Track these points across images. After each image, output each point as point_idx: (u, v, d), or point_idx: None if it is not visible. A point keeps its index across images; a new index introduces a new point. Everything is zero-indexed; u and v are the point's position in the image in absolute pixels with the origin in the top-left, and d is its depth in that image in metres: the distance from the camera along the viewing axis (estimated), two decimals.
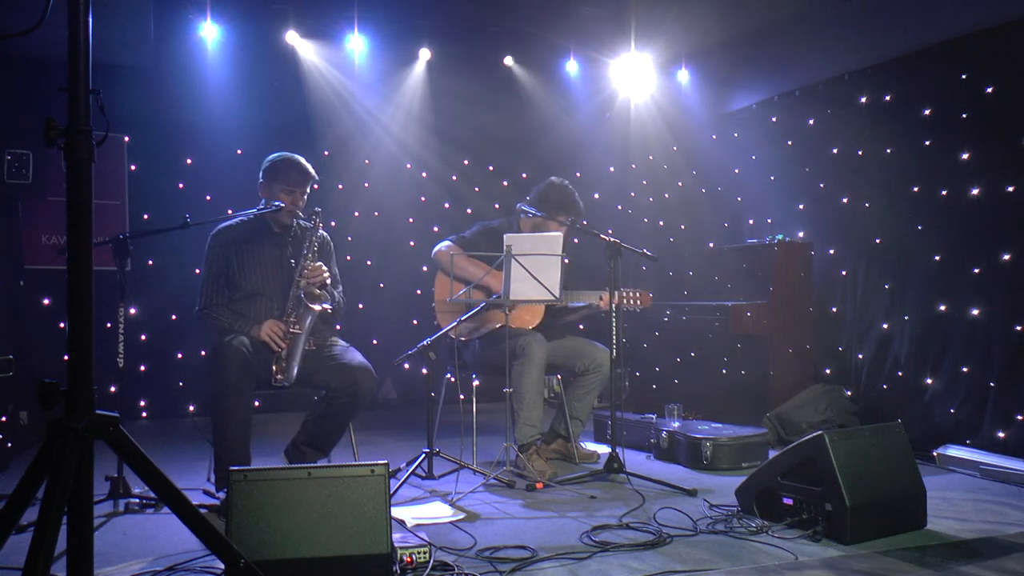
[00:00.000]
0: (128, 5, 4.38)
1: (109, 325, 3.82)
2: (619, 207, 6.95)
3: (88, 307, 1.68)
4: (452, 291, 3.69)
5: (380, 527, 2.31)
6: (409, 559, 2.40)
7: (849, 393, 4.87)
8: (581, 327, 4.31)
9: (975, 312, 4.21)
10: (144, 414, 5.64)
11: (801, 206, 5.50)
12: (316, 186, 3.64)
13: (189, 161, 5.72)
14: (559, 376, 4.38)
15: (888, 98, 4.83)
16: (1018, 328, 3.98)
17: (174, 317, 5.63)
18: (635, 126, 6.46)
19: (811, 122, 5.41)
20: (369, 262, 6.33)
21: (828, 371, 5.14)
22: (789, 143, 5.59)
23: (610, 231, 6.13)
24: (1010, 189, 4.06)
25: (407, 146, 6.34)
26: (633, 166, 6.84)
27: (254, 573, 1.81)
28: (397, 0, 5.29)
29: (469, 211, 6.60)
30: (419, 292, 6.41)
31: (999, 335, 4.07)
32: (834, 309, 5.18)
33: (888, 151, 4.82)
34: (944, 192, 4.42)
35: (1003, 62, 4.13)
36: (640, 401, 5.65)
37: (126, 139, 5.51)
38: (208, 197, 5.61)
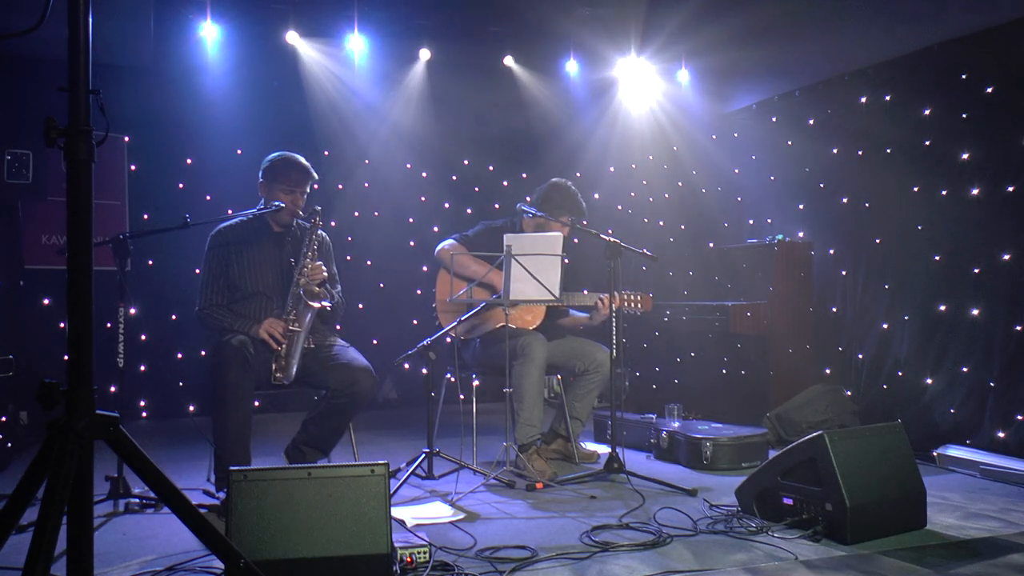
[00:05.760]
0: (128, 5, 4.38)
1: (109, 325, 3.82)
2: (619, 207, 6.95)
3: (88, 307, 1.68)
4: (452, 290, 3.69)
5: (380, 527, 2.31)
6: (409, 559, 2.40)
7: (849, 393, 4.87)
8: (581, 327, 4.31)
9: (975, 312, 4.21)
10: (144, 414, 5.64)
11: (801, 206, 5.50)
12: (316, 186, 3.65)
13: (189, 161, 5.73)
14: (559, 376, 4.38)
15: (888, 98, 4.83)
16: (1018, 328, 3.98)
17: (174, 317, 5.63)
18: (635, 126, 6.46)
19: (811, 122, 5.41)
20: (369, 262, 6.34)
21: (828, 371, 5.14)
22: (789, 143, 5.59)
23: (610, 231, 6.14)
24: (1010, 189, 4.06)
25: (407, 146, 6.34)
26: (633, 166, 6.84)
27: (254, 573, 1.81)
28: (397, 0, 5.28)
29: (469, 211, 6.60)
30: (419, 292, 6.42)
31: (999, 335, 4.07)
32: (834, 309, 5.18)
33: (888, 151, 4.82)
34: (944, 192, 4.42)
35: (1003, 62, 4.13)
36: (640, 401, 5.65)
37: (126, 139, 5.51)
38: (208, 197, 5.62)
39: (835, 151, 5.21)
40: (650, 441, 4.34)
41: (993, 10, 4.03)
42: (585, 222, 4.15)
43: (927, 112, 4.55)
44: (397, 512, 3.01)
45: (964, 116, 4.32)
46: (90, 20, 1.71)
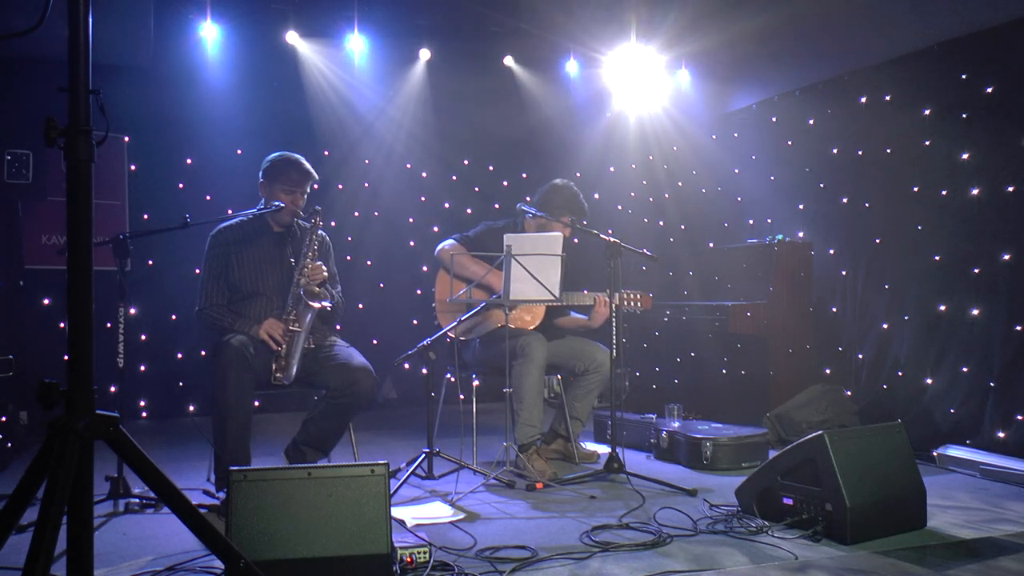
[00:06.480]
0: (128, 5, 4.38)
1: (109, 325, 3.82)
2: (619, 207, 6.95)
3: (88, 307, 1.68)
4: (452, 291, 3.69)
5: (380, 527, 2.31)
6: (409, 559, 2.40)
7: (849, 393, 4.87)
8: (581, 329, 4.31)
9: (975, 312, 4.21)
10: (144, 414, 5.64)
11: (801, 206, 5.50)
12: (316, 186, 3.65)
13: (189, 161, 5.73)
14: (559, 376, 4.38)
15: (888, 98, 4.82)
16: (1018, 328, 3.98)
17: (174, 317, 5.63)
18: (635, 126, 6.47)
19: (811, 122, 5.41)
20: (369, 262, 6.33)
21: (828, 371, 5.14)
22: (789, 143, 5.59)
23: (610, 231, 6.13)
24: (1010, 189, 4.06)
25: (407, 146, 6.34)
26: (633, 166, 6.84)
27: (254, 573, 1.80)
28: (397, 0, 5.29)
29: (469, 211, 6.60)
30: (419, 292, 6.41)
31: (999, 335, 4.07)
32: (834, 309, 5.18)
33: (888, 151, 4.81)
34: (944, 192, 4.42)
35: (1003, 62, 4.13)
36: (640, 401, 5.65)
37: (126, 139, 5.51)
38: (208, 197, 5.62)
39: (835, 151, 5.21)
40: (650, 441, 4.34)
41: (993, 10, 4.04)
42: (585, 222, 4.15)
43: (927, 112, 4.55)
44: (397, 512, 3.01)
45: (964, 116, 4.32)
46: (90, 20, 1.71)
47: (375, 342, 6.10)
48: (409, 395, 6.39)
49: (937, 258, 4.44)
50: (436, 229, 6.40)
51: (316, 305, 3.34)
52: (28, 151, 4.77)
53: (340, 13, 5.37)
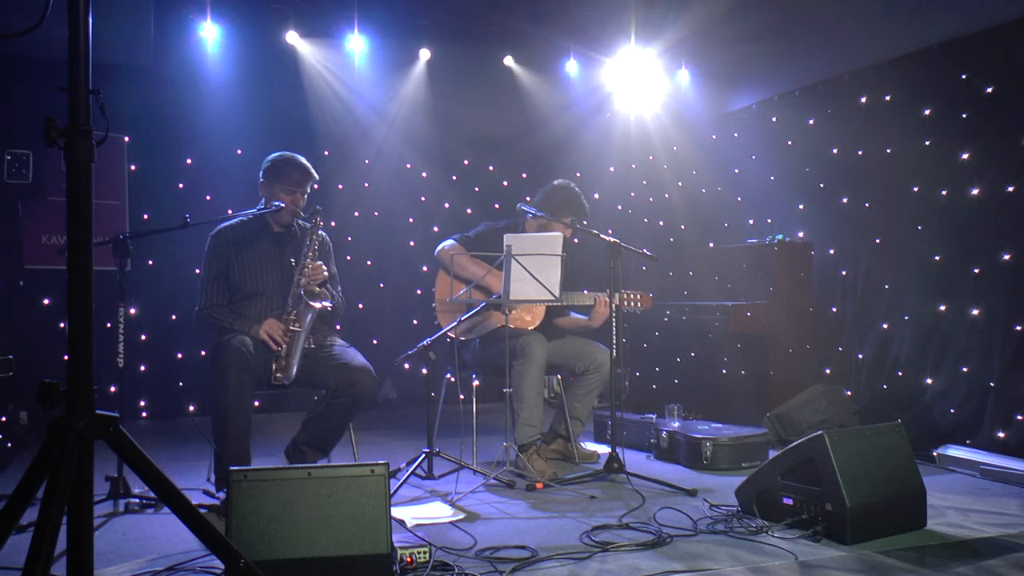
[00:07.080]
0: (128, 5, 4.39)
1: (109, 325, 3.82)
2: (619, 207, 6.96)
3: (88, 307, 1.68)
4: (452, 291, 3.69)
5: (380, 527, 2.31)
6: (409, 559, 2.40)
7: (849, 393, 4.87)
8: (581, 329, 4.31)
9: (975, 312, 4.21)
10: (144, 414, 5.64)
11: (801, 206, 5.50)
12: (316, 186, 3.65)
13: (189, 161, 5.72)
14: (559, 376, 4.38)
15: (888, 98, 4.83)
16: (1018, 328, 3.98)
17: (174, 317, 5.63)
18: (635, 126, 6.47)
19: (811, 122, 5.41)
20: (369, 262, 6.33)
21: (828, 371, 5.14)
22: (789, 143, 5.59)
23: (610, 231, 6.14)
24: (1010, 189, 4.06)
25: (407, 146, 6.34)
26: (633, 166, 6.84)
27: (254, 573, 1.81)
28: (397, 0, 5.29)
29: (469, 211, 6.60)
30: (419, 292, 6.42)
31: (999, 335, 4.07)
32: (834, 309, 5.18)
33: (888, 151, 4.82)
34: (944, 192, 4.42)
35: (1003, 62, 4.13)
36: (640, 401, 5.65)
37: (126, 139, 5.51)
38: (208, 197, 5.62)
39: (835, 151, 5.21)
40: (650, 441, 4.34)
41: (993, 10, 4.04)
42: (586, 222, 4.15)
43: (927, 112, 4.55)
44: (397, 512, 3.01)
45: (964, 116, 4.32)
46: (90, 20, 1.71)
47: (375, 342, 6.10)
48: (409, 395, 6.39)
49: (937, 258, 4.45)
50: (436, 229, 6.40)
51: (316, 305, 3.34)
52: (28, 151, 4.78)
53: (340, 13, 5.37)
